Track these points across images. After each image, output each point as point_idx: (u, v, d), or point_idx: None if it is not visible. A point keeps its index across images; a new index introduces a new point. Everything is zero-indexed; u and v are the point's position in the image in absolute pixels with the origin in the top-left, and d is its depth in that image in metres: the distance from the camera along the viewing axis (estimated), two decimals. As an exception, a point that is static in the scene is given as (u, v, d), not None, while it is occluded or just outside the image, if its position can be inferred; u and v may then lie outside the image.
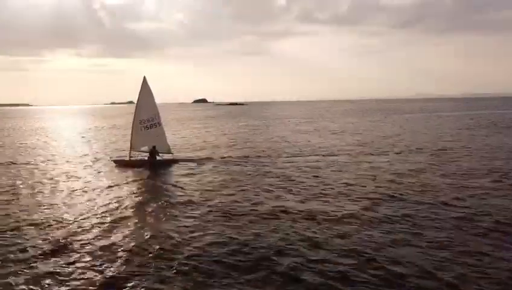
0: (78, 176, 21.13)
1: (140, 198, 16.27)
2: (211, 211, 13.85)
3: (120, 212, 13.98)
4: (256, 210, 13.82)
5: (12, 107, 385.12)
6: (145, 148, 24.06)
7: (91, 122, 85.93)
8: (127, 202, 15.43)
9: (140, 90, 24.01)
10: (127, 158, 24.39)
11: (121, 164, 23.93)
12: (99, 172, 22.14)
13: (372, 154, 26.38)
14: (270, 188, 17.08)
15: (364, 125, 54.53)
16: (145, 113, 24.09)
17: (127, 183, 19.06)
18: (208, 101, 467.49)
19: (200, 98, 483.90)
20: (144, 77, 24.01)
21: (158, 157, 23.72)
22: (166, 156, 24.47)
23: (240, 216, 13.17)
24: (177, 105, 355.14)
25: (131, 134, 24.27)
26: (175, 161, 24.17)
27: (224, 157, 26.00)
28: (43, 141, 41.70)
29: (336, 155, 26.30)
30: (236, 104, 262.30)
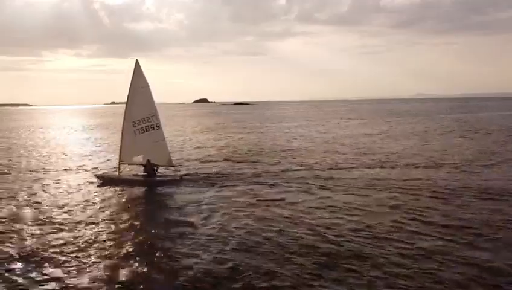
0: (44, 196, 15.53)
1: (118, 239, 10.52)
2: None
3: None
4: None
5: (12, 107, 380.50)
6: (139, 158, 17.72)
7: (87, 122, 79.85)
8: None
9: (132, 79, 17.39)
10: (116, 173, 18.17)
11: (108, 180, 17.77)
12: (71, 193, 16.06)
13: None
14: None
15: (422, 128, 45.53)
16: (139, 111, 17.65)
17: (109, 213, 13.18)
18: (209, 101, 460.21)
19: (201, 98, 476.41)
20: (137, 61, 17.38)
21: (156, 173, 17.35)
22: (168, 171, 18.21)
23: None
24: (178, 105, 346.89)
25: (121, 141, 17.93)
26: (178, 181, 17.41)
27: (242, 174, 19.26)
28: (17, 144, 35.92)
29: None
30: (242, 104, 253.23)
